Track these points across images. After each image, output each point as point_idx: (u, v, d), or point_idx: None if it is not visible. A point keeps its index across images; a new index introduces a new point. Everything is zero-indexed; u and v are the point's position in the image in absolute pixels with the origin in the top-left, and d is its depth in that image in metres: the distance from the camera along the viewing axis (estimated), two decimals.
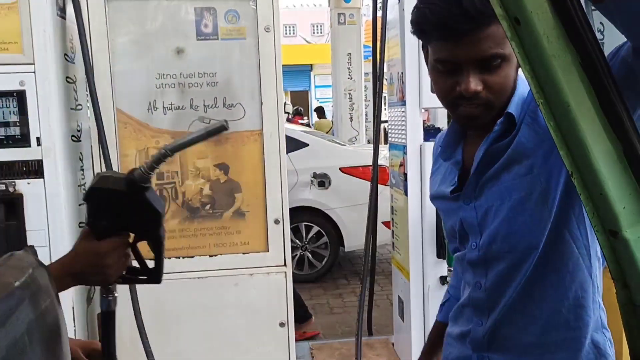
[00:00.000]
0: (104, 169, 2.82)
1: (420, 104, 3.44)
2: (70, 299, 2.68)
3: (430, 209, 3.39)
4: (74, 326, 2.73)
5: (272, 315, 3.13)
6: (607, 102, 0.97)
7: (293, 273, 5.40)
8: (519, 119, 1.27)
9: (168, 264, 2.94)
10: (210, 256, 3.05)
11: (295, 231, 6.21)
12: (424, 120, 3.63)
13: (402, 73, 3.52)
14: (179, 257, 3.01)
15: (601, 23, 3.14)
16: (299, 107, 16.86)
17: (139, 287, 2.95)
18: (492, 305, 1.32)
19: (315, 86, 24.68)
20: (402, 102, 3.54)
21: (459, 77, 1.21)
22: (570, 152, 1.02)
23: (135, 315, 2.81)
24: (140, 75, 2.93)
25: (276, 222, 3.08)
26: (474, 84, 1.20)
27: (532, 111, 1.26)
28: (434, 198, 1.49)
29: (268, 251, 3.10)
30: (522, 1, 0.92)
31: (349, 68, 10.40)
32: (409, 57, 3.41)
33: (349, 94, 10.39)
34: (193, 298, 3.04)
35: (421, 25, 1.22)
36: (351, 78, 10.34)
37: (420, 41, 1.32)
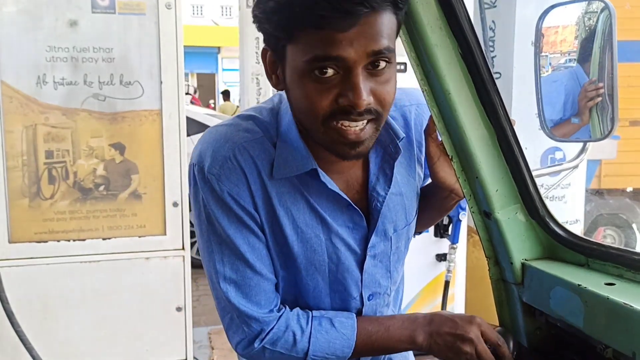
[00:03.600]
0: None
1: None
2: None
3: None
4: None
5: (168, 300, 3.06)
6: (483, 91, 1.03)
7: (194, 258, 5.32)
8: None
9: (57, 247, 2.84)
10: (104, 239, 2.93)
11: None
12: None
13: None
14: (69, 240, 2.87)
15: (493, 22, 3.34)
16: (190, 85, 16.74)
17: (22, 272, 2.80)
18: None
19: (223, 69, 24.23)
20: None
21: (340, 86, 0.89)
22: (450, 137, 1.08)
23: (3, 306, 2.62)
24: (28, 47, 2.75)
25: (175, 204, 3.01)
26: (366, 93, 0.89)
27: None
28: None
29: (165, 234, 3.02)
30: None
31: (256, 52, 10.28)
32: None
33: (257, 78, 10.24)
34: (84, 283, 2.91)
35: (289, 9, 0.86)
36: (259, 62, 10.19)
37: (265, 41, 0.95)
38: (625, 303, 0.87)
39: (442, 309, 3.24)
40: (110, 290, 2.96)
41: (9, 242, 2.79)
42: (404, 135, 1.10)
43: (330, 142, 0.94)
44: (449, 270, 3.25)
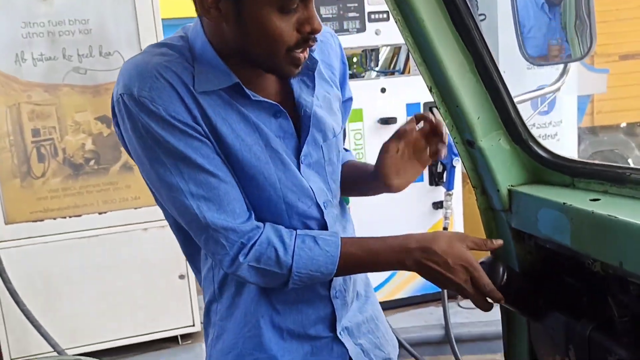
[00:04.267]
0: None
1: None
2: None
3: None
4: None
5: (170, 269, 3.08)
6: (458, 18, 1.02)
7: None
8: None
9: (54, 225, 2.84)
10: (100, 213, 2.93)
11: None
12: None
13: None
14: (65, 217, 2.88)
15: None
16: None
17: (21, 252, 2.81)
18: None
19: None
20: None
21: (299, 16, 0.97)
22: (428, 67, 1.07)
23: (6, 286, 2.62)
24: (3, 25, 2.70)
25: None
26: (317, 18, 0.99)
27: None
28: None
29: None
30: None
31: None
32: None
33: None
34: (84, 258, 2.92)
35: None
36: None
37: None
38: (609, 215, 0.88)
39: None
40: (110, 263, 2.97)
41: (5, 223, 2.79)
42: (315, 49, 1.11)
43: (284, 65, 1.01)
44: (446, 217, 3.26)
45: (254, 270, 1.05)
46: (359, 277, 1.29)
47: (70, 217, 2.90)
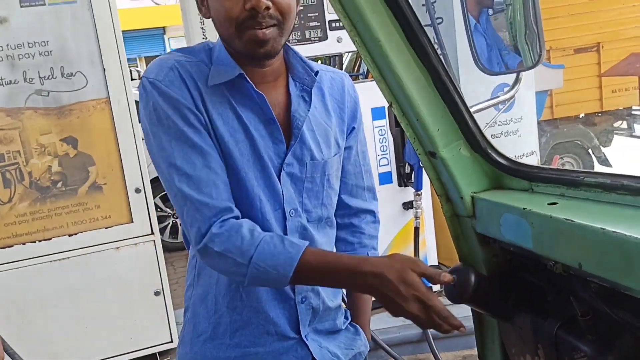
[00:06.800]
0: None
1: None
2: None
3: None
4: None
5: (145, 286, 3.07)
6: (411, 35, 1.05)
7: (167, 242, 5.30)
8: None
9: (24, 250, 2.80)
10: (70, 235, 2.90)
11: (165, 199, 6.05)
12: None
13: None
14: (34, 242, 2.84)
15: None
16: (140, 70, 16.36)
17: None
18: None
19: (172, 49, 23.63)
20: None
21: None
22: (387, 84, 1.10)
23: None
24: None
25: (137, 191, 2.99)
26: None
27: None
28: None
29: (132, 222, 3.01)
30: None
31: (202, 28, 10.06)
32: None
33: None
34: (57, 282, 2.89)
35: None
36: (206, 39, 10.05)
37: None
38: (566, 219, 0.92)
39: (414, 255, 3.31)
40: (84, 285, 2.95)
41: None
42: (317, 70, 1.24)
43: (245, 44, 1.13)
44: (416, 217, 3.31)
45: (217, 255, 1.12)
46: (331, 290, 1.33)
47: (40, 241, 2.86)
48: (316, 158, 1.23)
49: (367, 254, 1.40)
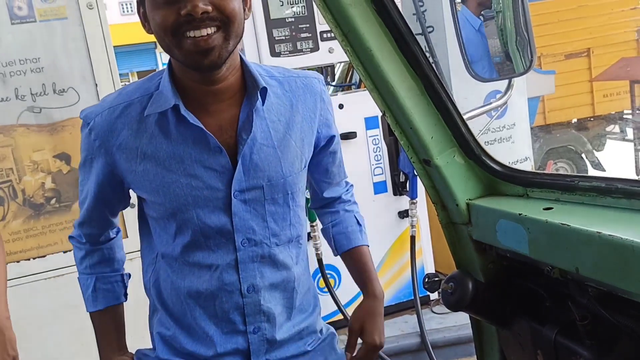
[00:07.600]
0: None
1: None
2: None
3: None
4: None
5: (140, 300, 3.03)
6: (403, 44, 1.05)
7: None
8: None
9: (18, 268, 2.78)
10: (65, 252, 2.88)
11: None
12: None
13: None
14: (29, 259, 2.82)
15: None
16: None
17: None
18: None
19: (163, 64, 23.72)
20: None
21: (182, 4, 1.02)
22: (380, 93, 1.10)
23: None
24: None
25: (131, 206, 2.97)
26: (203, 3, 1.02)
27: None
28: None
29: (127, 237, 2.98)
30: None
31: None
32: None
33: None
34: (52, 299, 2.86)
35: None
36: None
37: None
38: (562, 223, 0.92)
39: (411, 264, 3.31)
40: (79, 302, 2.87)
41: None
42: (264, 85, 1.14)
43: (186, 55, 1.05)
44: (412, 226, 3.31)
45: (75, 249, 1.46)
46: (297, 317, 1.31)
47: (34, 258, 2.84)
48: (273, 178, 1.17)
49: (355, 217, 1.43)
